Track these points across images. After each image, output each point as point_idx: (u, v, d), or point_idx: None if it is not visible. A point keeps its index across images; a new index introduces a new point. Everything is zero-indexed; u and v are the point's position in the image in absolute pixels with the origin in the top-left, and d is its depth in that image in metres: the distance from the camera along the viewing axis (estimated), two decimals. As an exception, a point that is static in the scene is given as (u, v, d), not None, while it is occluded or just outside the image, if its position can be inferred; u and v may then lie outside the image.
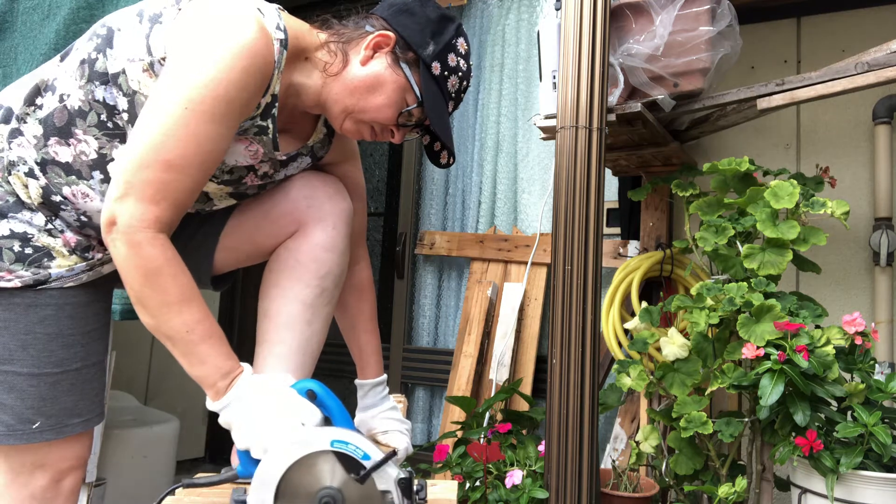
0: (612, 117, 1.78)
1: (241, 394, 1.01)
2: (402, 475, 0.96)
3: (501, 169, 2.76)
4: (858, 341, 1.53)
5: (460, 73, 1.20)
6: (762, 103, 1.75)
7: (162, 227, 1.00)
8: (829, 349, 1.48)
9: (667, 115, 1.86)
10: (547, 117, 1.89)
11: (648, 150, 2.05)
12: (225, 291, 3.37)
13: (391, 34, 1.15)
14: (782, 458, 1.48)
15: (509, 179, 2.75)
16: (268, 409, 0.99)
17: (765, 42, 2.30)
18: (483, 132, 2.83)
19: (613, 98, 1.79)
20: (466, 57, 1.21)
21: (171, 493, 1.03)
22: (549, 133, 1.92)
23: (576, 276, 1.59)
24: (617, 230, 2.44)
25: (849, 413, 1.52)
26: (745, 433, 1.62)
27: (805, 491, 1.51)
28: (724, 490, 1.53)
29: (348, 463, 0.96)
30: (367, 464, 0.94)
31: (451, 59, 1.18)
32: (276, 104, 1.13)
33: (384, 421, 1.39)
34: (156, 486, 2.40)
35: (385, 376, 1.44)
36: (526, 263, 2.52)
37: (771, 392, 1.42)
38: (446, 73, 1.18)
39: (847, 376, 1.62)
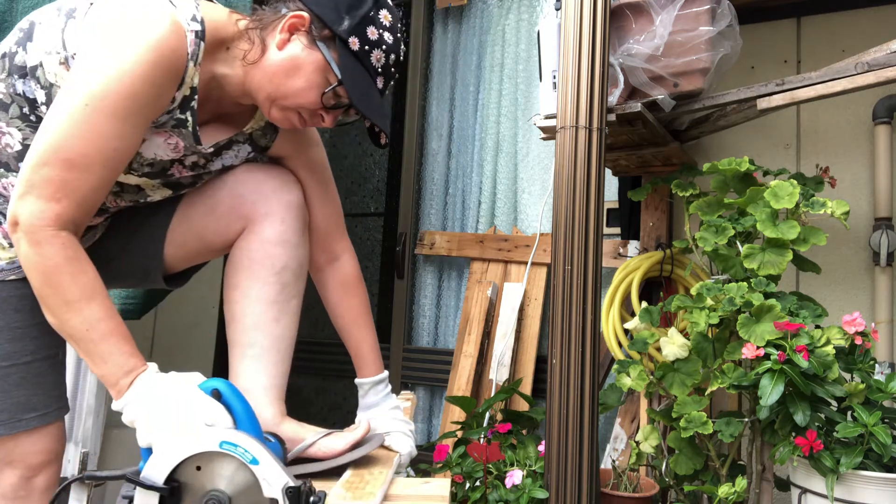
0: (612, 117, 1.78)
1: (143, 392, 0.99)
2: (291, 483, 0.90)
3: (501, 169, 2.76)
4: (858, 341, 1.53)
5: (384, 47, 1.13)
6: (762, 103, 1.75)
7: (64, 224, 0.99)
8: (829, 349, 1.48)
9: (667, 115, 1.86)
10: (547, 117, 1.89)
11: (648, 150, 2.05)
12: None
13: (305, 14, 1.12)
14: (782, 458, 1.48)
15: (509, 179, 2.75)
16: (168, 408, 0.97)
17: (765, 42, 2.30)
18: (483, 132, 2.83)
19: (613, 98, 1.79)
20: (392, 30, 1.15)
21: (70, 484, 1.00)
22: (549, 133, 1.92)
23: (576, 276, 1.59)
24: (617, 230, 2.44)
25: (849, 413, 1.52)
26: (745, 433, 1.62)
27: (805, 491, 1.51)
28: (724, 490, 1.53)
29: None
30: (255, 469, 0.90)
31: (371, 33, 1.12)
32: (196, 97, 1.11)
33: (386, 422, 1.35)
34: (156, 486, 2.39)
35: (386, 373, 1.40)
36: (526, 263, 2.52)
37: (771, 392, 1.42)
38: (367, 47, 1.12)
39: (847, 376, 1.62)
